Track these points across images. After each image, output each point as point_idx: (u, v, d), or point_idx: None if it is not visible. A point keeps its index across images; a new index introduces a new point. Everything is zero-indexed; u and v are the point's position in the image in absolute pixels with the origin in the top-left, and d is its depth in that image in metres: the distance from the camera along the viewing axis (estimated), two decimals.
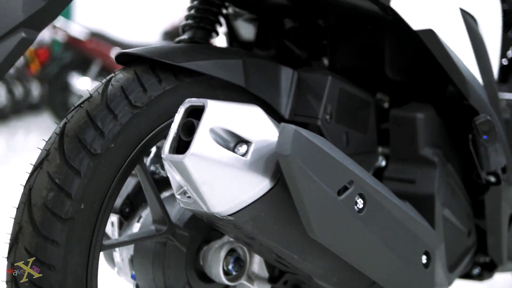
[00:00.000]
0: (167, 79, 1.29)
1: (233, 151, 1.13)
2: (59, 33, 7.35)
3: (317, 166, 1.13)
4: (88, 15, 9.79)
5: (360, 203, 1.22)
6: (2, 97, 8.37)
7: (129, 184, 1.49)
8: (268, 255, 1.32)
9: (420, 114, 1.56)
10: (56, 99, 7.45)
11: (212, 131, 1.11)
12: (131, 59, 1.32)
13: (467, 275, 1.84)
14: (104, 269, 1.39)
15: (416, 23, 1.46)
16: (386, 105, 1.71)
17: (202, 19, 1.55)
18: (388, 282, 1.35)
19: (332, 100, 1.45)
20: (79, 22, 8.28)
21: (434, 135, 1.59)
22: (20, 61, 7.99)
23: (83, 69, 7.28)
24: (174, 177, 1.15)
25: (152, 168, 1.53)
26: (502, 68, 1.92)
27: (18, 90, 8.71)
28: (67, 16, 9.86)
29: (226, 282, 1.41)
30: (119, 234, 1.47)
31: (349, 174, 1.19)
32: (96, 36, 7.17)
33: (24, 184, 1.22)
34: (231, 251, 1.41)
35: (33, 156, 1.24)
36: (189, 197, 1.16)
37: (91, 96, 1.25)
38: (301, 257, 1.26)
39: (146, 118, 1.26)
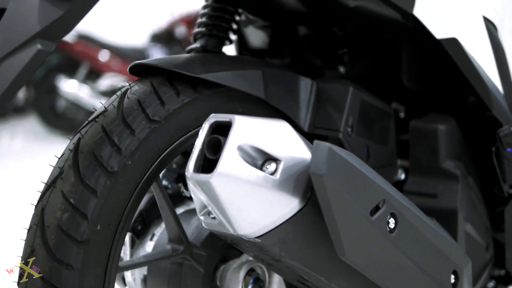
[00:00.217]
0: (185, 91, 1.23)
1: (261, 169, 1.07)
2: None
3: (351, 186, 1.07)
4: None
5: (391, 222, 1.16)
6: None
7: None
8: (291, 276, 1.26)
9: (442, 126, 1.51)
10: (43, 102, 7.32)
11: (240, 148, 1.05)
12: (145, 70, 1.25)
13: None
14: None
15: (439, 32, 1.41)
16: (401, 114, 1.65)
17: (214, 27, 1.49)
18: None
19: (353, 112, 1.40)
20: None
21: (455, 147, 1.54)
22: None
23: (71, 72, 7.16)
24: (199, 197, 1.08)
25: (164, 182, 1.46)
26: None
27: None
28: None
29: None
30: (131, 253, 1.40)
31: (381, 193, 1.13)
32: (83, 39, 7.06)
33: (35, 204, 1.15)
34: (250, 271, 1.34)
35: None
36: (213, 218, 1.10)
37: (106, 109, 1.18)
38: (327, 279, 1.20)
39: (164, 133, 1.19)
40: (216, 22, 1.49)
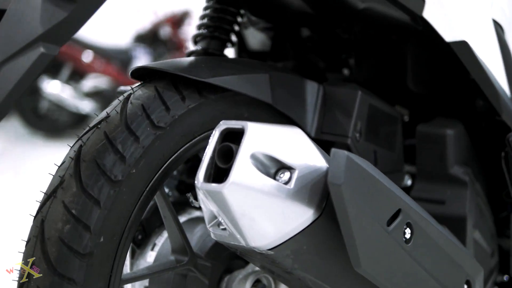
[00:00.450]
0: (190, 96, 1.17)
1: (274, 178, 1.02)
2: None
3: (368, 195, 1.03)
4: None
5: (407, 233, 1.12)
6: None
7: None
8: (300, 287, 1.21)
9: (450, 131, 1.47)
10: (25, 103, 7.19)
11: (253, 157, 1.00)
12: (148, 74, 1.20)
13: None
14: None
15: (449, 34, 1.37)
16: (406, 118, 1.62)
17: (216, 29, 1.44)
18: None
19: (361, 117, 1.35)
20: None
21: (463, 153, 1.50)
22: None
23: (53, 73, 7.04)
24: (209, 207, 1.03)
25: (165, 190, 1.41)
26: None
27: None
28: None
29: None
30: (131, 264, 1.35)
31: (398, 202, 1.09)
32: None
33: (34, 215, 1.09)
34: (256, 282, 1.29)
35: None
36: (224, 229, 1.05)
37: (108, 115, 1.12)
38: None
39: (169, 140, 1.14)
40: (217, 24, 1.44)
